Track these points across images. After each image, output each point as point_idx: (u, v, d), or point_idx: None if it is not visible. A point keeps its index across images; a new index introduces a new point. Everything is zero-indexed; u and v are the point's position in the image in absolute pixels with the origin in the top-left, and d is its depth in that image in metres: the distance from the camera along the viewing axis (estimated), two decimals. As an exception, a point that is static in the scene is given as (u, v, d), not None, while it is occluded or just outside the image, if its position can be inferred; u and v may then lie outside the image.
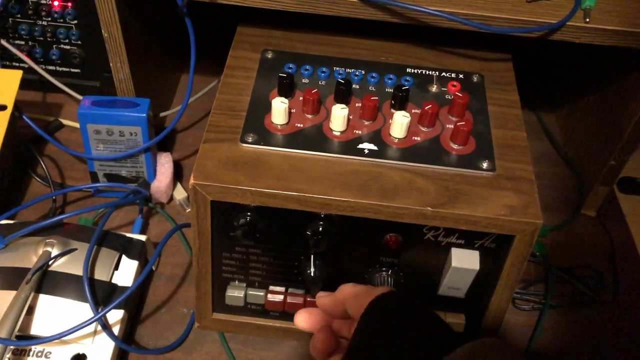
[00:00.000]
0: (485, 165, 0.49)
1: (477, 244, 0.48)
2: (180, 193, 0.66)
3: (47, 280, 0.53)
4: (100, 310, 0.52)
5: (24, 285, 0.51)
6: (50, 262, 0.53)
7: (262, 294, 0.53)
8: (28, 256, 0.54)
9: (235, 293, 0.53)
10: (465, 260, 0.48)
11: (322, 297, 0.45)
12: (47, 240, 0.54)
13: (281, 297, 0.53)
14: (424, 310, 0.40)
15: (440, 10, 0.51)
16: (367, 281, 0.52)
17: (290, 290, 0.54)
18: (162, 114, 0.69)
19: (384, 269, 0.51)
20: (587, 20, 0.53)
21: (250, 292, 0.53)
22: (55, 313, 0.52)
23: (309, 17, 0.55)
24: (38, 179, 0.67)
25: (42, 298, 0.52)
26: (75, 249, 0.54)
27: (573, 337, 0.60)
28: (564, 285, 0.63)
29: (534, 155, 0.74)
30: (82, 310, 0.52)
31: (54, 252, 0.54)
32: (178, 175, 0.68)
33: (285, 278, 0.53)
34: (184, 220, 0.65)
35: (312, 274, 0.50)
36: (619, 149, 0.63)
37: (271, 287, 0.53)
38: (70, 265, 0.54)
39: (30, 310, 0.51)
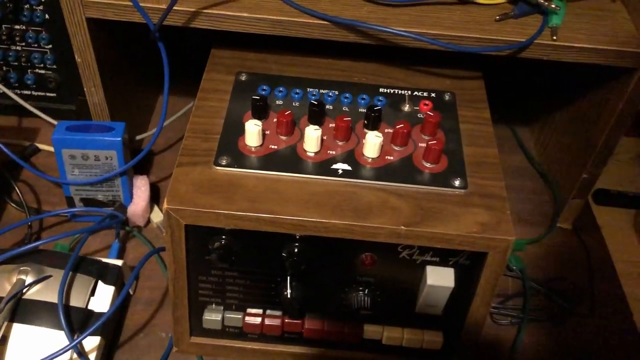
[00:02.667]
0: (457, 182, 0.49)
1: (451, 261, 0.49)
2: (157, 216, 0.66)
3: (21, 309, 0.52)
4: (75, 337, 0.51)
5: (-3, 314, 0.50)
6: (24, 290, 0.53)
7: (239, 316, 0.53)
8: (1, 284, 0.53)
9: (212, 316, 0.53)
10: (440, 278, 0.49)
11: None
12: (21, 268, 0.53)
13: (259, 319, 0.53)
14: None
15: (408, 31, 0.52)
16: (344, 300, 0.52)
17: (268, 312, 0.53)
18: (138, 137, 0.69)
19: (360, 288, 0.51)
20: (555, 38, 0.54)
21: (227, 315, 0.53)
22: (30, 342, 0.51)
23: (283, 39, 0.55)
24: (13, 205, 0.67)
25: (16, 327, 0.51)
26: (50, 276, 0.54)
27: (551, 350, 0.60)
28: (542, 298, 0.64)
29: (510, 169, 0.76)
30: (58, 338, 0.52)
31: (28, 279, 0.53)
32: (155, 198, 0.68)
33: (263, 300, 0.53)
34: (162, 243, 0.65)
35: (288, 296, 0.50)
36: (591, 162, 0.64)
37: (249, 310, 0.53)
38: (45, 292, 0.53)
39: (4, 340, 0.51)
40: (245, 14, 0.54)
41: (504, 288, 0.64)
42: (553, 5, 0.54)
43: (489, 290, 0.49)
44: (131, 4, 0.52)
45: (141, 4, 0.52)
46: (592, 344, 0.61)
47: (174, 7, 0.52)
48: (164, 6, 0.53)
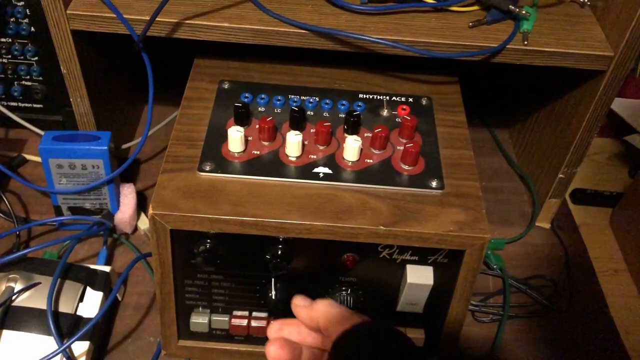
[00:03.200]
0: (434, 184, 0.51)
1: (430, 259, 0.50)
2: (144, 223, 0.67)
3: (11, 316, 0.53)
4: (65, 342, 0.52)
5: (-14, 322, 0.51)
6: (13, 297, 0.54)
7: (226, 319, 0.54)
8: (-10, 293, 0.54)
9: (199, 319, 0.54)
10: (419, 276, 0.50)
11: (300, 307, 0.44)
12: (10, 276, 0.54)
13: (245, 321, 0.54)
14: (399, 344, 0.38)
15: (385, 38, 0.54)
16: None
17: (254, 313, 0.55)
18: (124, 146, 0.70)
19: (343, 288, 0.52)
20: (526, 42, 0.56)
21: (214, 318, 0.54)
22: (20, 348, 0.52)
23: (265, 48, 0.57)
24: (2, 215, 0.68)
25: (6, 334, 0.52)
26: (39, 283, 0.55)
27: (531, 345, 0.62)
28: (522, 295, 0.66)
29: (490, 171, 0.78)
30: (47, 344, 0.53)
31: (17, 287, 0.54)
32: (142, 205, 0.69)
33: (248, 302, 0.54)
34: (149, 250, 0.66)
35: (273, 297, 0.51)
36: (566, 162, 0.66)
37: (235, 312, 0.54)
38: (34, 299, 0.54)
39: (-6, 347, 0.52)
40: (226, 24, 0.55)
41: (484, 286, 0.66)
42: (524, 12, 0.56)
43: (468, 287, 0.51)
44: (115, 15, 0.54)
45: (125, 16, 0.54)
46: (570, 338, 0.63)
47: (157, 19, 0.54)
48: (147, 17, 0.54)
